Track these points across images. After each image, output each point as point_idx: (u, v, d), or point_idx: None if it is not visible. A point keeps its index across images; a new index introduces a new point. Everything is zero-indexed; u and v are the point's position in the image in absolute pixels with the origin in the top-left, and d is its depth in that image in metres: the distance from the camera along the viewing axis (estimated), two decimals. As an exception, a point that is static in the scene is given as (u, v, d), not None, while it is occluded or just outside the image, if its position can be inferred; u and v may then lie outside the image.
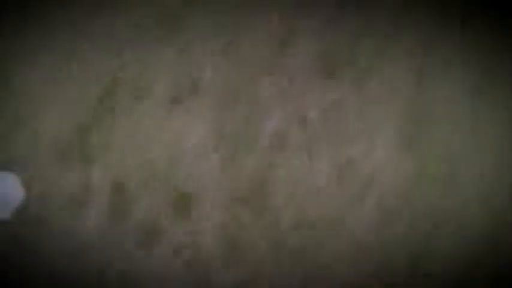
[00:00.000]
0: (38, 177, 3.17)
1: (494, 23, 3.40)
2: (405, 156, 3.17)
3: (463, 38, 3.35)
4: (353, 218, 3.10)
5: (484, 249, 3.18)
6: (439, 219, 3.16)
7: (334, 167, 3.11)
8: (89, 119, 3.22)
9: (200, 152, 3.12)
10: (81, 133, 3.25)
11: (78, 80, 3.19)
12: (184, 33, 3.44)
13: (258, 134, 3.13)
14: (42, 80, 3.22)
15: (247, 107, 3.17)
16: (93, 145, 3.17)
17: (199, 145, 3.12)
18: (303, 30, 3.31)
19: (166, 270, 3.08)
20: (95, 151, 3.14)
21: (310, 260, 3.06)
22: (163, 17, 3.45)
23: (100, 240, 3.13)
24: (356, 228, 3.10)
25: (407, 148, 3.18)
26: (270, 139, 3.12)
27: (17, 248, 3.09)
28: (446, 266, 3.27)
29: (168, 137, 3.15)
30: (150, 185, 3.12)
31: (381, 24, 3.32)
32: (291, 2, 3.33)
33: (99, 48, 3.31)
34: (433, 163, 3.19)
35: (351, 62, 3.26)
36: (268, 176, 3.09)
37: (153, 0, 3.47)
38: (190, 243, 3.11)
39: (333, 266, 3.09)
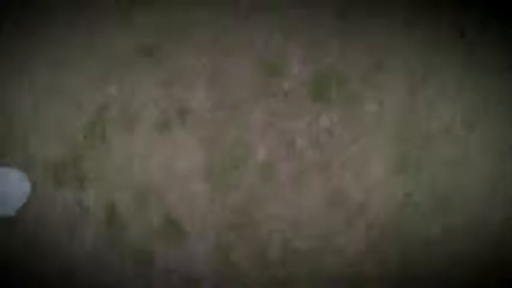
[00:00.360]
0: (33, 198, 3.25)
1: (495, 43, 3.29)
2: (397, 181, 3.13)
3: (460, 61, 3.26)
4: (342, 246, 3.09)
5: (472, 275, 3.15)
6: (430, 244, 3.13)
7: (323, 194, 3.09)
8: (80, 145, 3.28)
9: (189, 179, 3.14)
10: (73, 158, 3.31)
11: (67, 109, 3.23)
12: (169, 62, 3.44)
13: (246, 162, 3.14)
14: (34, 107, 3.27)
15: (236, 134, 3.17)
16: (86, 169, 3.23)
17: (188, 172, 3.14)
18: (292, 53, 3.28)
19: (156, 293, 3.14)
20: (87, 175, 3.20)
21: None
22: (147, 47, 3.46)
23: (93, 262, 3.19)
24: (346, 255, 3.09)
25: (399, 173, 3.14)
26: (259, 167, 3.13)
27: (12, 268, 3.18)
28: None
29: (158, 164, 3.19)
30: (142, 209, 3.16)
31: (374, 46, 3.25)
32: (279, 25, 3.29)
33: (86, 78, 3.35)
34: (424, 188, 3.14)
35: (343, 85, 3.21)
36: (257, 203, 3.10)
37: (135, 31, 3.48)
38: (181, 266, 3.15)
39: (322, 292, 3.10)
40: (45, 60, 3.31)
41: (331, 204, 3.11)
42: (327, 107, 3.20)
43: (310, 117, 3.17)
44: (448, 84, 3.23)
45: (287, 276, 3.07)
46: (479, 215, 3.14)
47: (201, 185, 3.13)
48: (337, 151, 3.14)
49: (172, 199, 3.16)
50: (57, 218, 3.22)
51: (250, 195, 3.11)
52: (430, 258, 3.15)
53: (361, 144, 3.16)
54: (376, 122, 3.18)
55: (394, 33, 3.33)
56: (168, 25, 3.42)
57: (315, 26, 3.33)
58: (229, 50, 3.37)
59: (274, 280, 3.09)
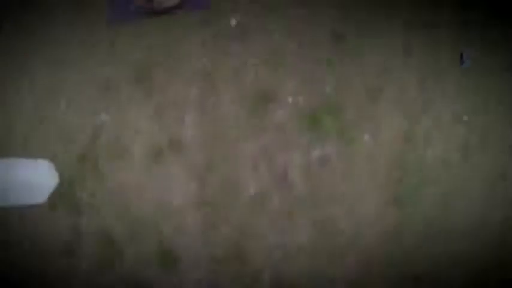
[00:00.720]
0: (29, 220, 3.30)
1: (494, 71, 3.20)
2: (389, 214, 3.10)
3: (456, 94, 3.17)
4: (333, 278, 3.10)
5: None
6: (421, 275, 3.13)
7: (315, 225, 3.09)
8: (73, 173, 3.30)
9: (182, 209, 3.16)
10: (67, 185, 3.33)
11: (59, 137, 3.23)
12: (159, 92, 3.36)
13: (238, 194, 3.13)
14: (26, 135, 3.26)
15: (228, 166, 3.18)
16: (80, 197, 3.25)
17: (180, 203, 3.15)
18: (284, 84, 3.20)
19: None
20: (81, 201, 3.22)
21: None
22: (138, 77, 3.39)
23: (88, 286, 3.25)
24: (337, 285, 3.11)
25: (391, 205, 3.11)
26: (251, 199, 3.12)
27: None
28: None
29: (150, 194, 3.21)
30: (135, 237, 3.19)
31: (372, 72, 3.20)
32: (272, 51, 3.20)
33: (76, 108, 3.32)
34: (417, 220, 3.12)
35: (338, 116, 3.15)
36: (248, 235, 3.12)
37: (127, 61, 3.40)
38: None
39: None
40: (31, 91, 3.33)
41: (322, 237, 3.11)
42: (320, 138, 3.16)
43: (303, 149, 3.14)
44: (446, 112, 3.17)
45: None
46: (471, 250, 3.13)
47: (193, 215, 3.13)
48: (330, 183, 3.11)
49: (165, 229, 3.18)
50: (52, 241, 3.26)
51: (241, 227, 3.12)
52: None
53: (354, 176, 3.12)
54: (370, 153, 3.13)
55: (393, 58, 3.22)
56: (157, 54, 3.35)
57: (311, 51, 3.23)
58: (220, 78, 3.33)
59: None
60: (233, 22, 3.35)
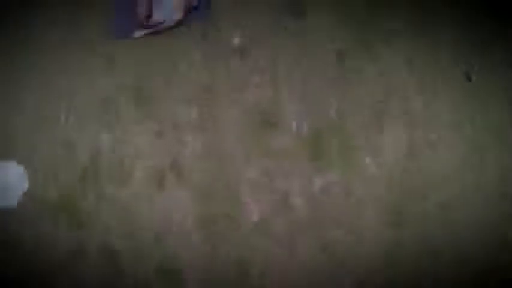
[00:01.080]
0: (30, 233, 3.32)
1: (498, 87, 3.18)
2: (389, 235, 3.11)
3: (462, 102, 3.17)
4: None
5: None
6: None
7: (315, 247, 3.11)
8: (74, 192, 3.28)
9: (183, 230, 3.17)
10: (68, 201, 3.33)
11: (59, 155, 3.20)
12: (160, 111, 3.31)
13: (240, 219, 3.14)
14: (27, 150, 3.24)
15: (230, 191, 3.17)
16: (82, 213, 3.26)
17: (182, 224, 3.17)
18: (287, 107, 3.17)
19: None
20: (83, 218, 3.23)
21: None
22: (137, 95, 3.33)
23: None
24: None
25: (392, 227, 3.12)
26: (253, 223, 3.13)
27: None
28: None
29: (152, 213, 3.22)
30: (138, 255, 3.22)
31: (375, 93, 3.17)
32: (274, 77, 3.16)
33: (75, 125, 3.28)
34: (417, 240, 3.14)
35: (341, 140, 3.14)
36: (250, 259, 3.13)
37: (126, 78, 3.33)
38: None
39: None
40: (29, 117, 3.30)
41: (322, 258, 3.12)
42: (322, 164, 3.13)
43: (304, 175, 3.12)
44: (449, 128, 3.14)
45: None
46: (470, 268, 3.17)
47: (196, 236, 3.15)
48: (331, 207, 3.11)
49: (167, 248, 3.20)
50: (55, 256, 3.27)
51: (243, 251, 3.14)
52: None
53: (355, 199, 3.11)
54: (371, 176, 3.13)
55: (396, 75, 3.19)
56: (157, 70, 3.29)
57: (315, 71, 3.19)
58: (221, 98, 3.28)
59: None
60: (235, 39, 3.29)
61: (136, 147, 3.22)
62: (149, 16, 3.31)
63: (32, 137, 3.28)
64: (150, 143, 3.21)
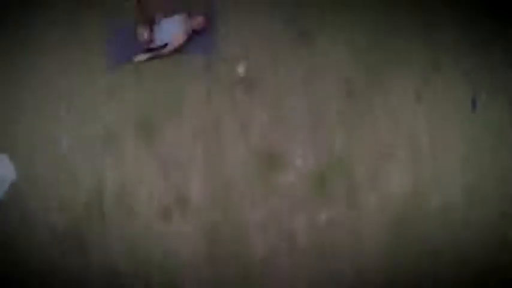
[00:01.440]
0: (39, 262, 3.14)
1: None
2: (390, 266, 3.09)
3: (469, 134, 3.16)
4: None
5: None
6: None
7: (318, 276, 3.07)
8: (78, 222, 3.13)
9: (190, 266, 3.08)
10: (74, 227, 3.15)
11: (62, 182, 3.18)
12: (163, 145, 3.23)
13: (247, 257, 3.07)
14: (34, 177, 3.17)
15: (237, 229, 3.10)
16: (87, 239, 3.13)
17: (188, 260, 3.10)
18: (293, 144, 3.16)
19: None
20: (89, 246, 3.14)
21: None
22: (139, 126, 3.25)
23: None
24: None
25: (393, 257, 3.09)
26: (259, 262, 3.07)
27: None
28: None
29: (158, 246, 3.11)
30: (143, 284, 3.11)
31: (382, 128, 3.15)
32: (280, 113, 3.13)
33: (78, 155, 3.16)
34: (415, 269, 3.09)
35: (347, 177, 3.11)
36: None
37: (128, 107, 3.26)
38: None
39: None
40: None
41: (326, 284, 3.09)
42: (328, 201, 3.10)
43: (310, 212, 3.09)
44: (454, 160, 3.14)
45: None
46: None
47: (202, 270, 3.09)
48: (335, 242, 3.09)
49: (174, 280, 3.09)
50: (61, 282, 3.15)
51: (250, 283, 3.08)
52: None
53: (358, 233, 3.09)
54: (376, 211, 3.10)
55: (404, 107, 3.17)
56: (159, 101, 3.23)
57: (322, 105, 3.15)
58: (226, 134, 3.19)
59: None
60: (241, 70, 3.23)
61: (141, 181, 3.15)
62: (150, 41, 3.26)
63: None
64: (154, 177, 3.17)
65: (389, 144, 3.14)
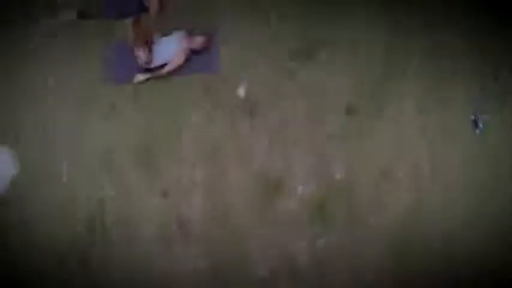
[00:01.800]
0: (38, 274, 3.16)
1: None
2: (393, 286, 3.06)
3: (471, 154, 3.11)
4: None
5: None
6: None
7: None
8: (81, 247, 3.16)
9: (193, 283, 3.06)
10: (77, 246, 3.17)
11: (63, 205, 3.20)
12: (163, 169, 3.21)
13: (248, 281, 3.04)
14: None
15: (237, 253, 3.07)
16: (90, 259, 3.13)
17: (191, 278, 3.08)
18: (294, 171, 3.12)
19: None
20: (92, 270, 3.13)
21: None
22: (139, 150, 3.24)
23: None
24: None
25: (396, 277, 3.06)
26: (260, 285, 3.04)
27: None
28: None
29: (161, 272, 3.10)
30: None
31: (384, 150, 3.10)
32: (281, 137, 3.10)
33: (77, 179, 3.17)
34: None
35: (346, 200, 3.07)
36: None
37: (127, 128, 3.25)
38: None
39: None
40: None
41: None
42: (327, 226, 3.07)
43: (309, 238, 3.06)
44: (456, 181, 3.08)
45: None
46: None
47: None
48: (334, 263, 3.06)
49: None
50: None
51: None
52: None
53: (357, 256, 3.06)
54: (375, 235, 3.05)
55: (406, 132, 3.10)
56: (158, 124, 3.22)
57: (324, 128, 3.10)
58: (227, 158, 3.16)
59: None
60: (241, 92, 3.18)
61: (141, 205, 3.14)
62: (149, 61, 3.24)
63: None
64: (155, 201, 3.16)
65: (388, 167, 3.09)
